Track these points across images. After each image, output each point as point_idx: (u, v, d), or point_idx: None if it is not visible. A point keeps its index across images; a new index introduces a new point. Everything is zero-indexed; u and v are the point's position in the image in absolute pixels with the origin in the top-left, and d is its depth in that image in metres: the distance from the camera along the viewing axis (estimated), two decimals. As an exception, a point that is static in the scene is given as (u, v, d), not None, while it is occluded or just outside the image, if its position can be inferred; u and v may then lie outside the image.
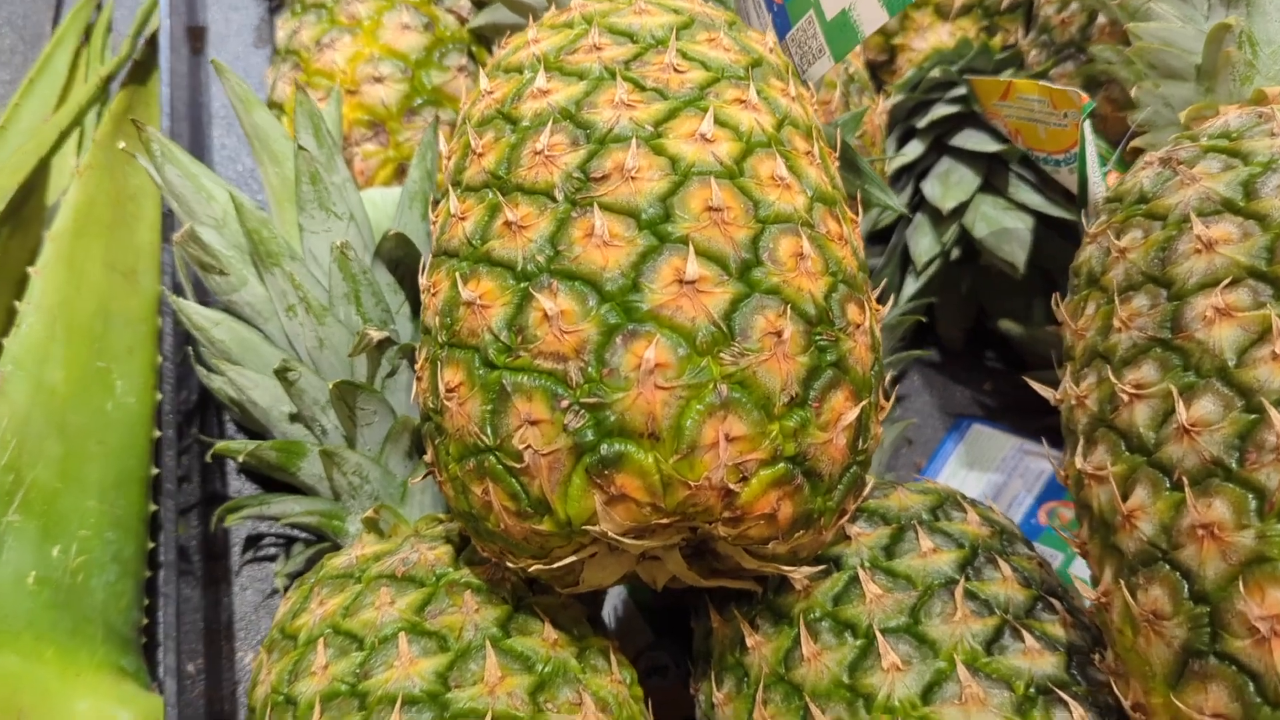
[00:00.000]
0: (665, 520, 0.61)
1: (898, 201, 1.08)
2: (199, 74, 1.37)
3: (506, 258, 0.63)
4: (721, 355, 0.59)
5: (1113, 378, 0.70)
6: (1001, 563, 0.73)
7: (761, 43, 0.73)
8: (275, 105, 1.18)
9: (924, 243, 1.14)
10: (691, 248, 0.60)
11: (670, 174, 0.63)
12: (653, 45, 0.69)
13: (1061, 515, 1.13)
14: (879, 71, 1.41)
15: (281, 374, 0.88)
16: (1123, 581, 0.66)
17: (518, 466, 0.66)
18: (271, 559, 1.04)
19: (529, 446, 0.65)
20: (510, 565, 0.74)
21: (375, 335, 0.88)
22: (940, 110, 1.20)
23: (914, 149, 1.22)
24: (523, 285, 0.61)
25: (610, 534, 0.65)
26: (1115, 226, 0.76)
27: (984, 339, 1.34)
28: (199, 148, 1.32)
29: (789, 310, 0.60)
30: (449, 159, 0.80)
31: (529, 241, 0.62)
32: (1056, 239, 1.05)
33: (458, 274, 0.64)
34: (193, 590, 0.99)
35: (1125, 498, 0.67)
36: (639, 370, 0.57)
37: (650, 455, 0.58)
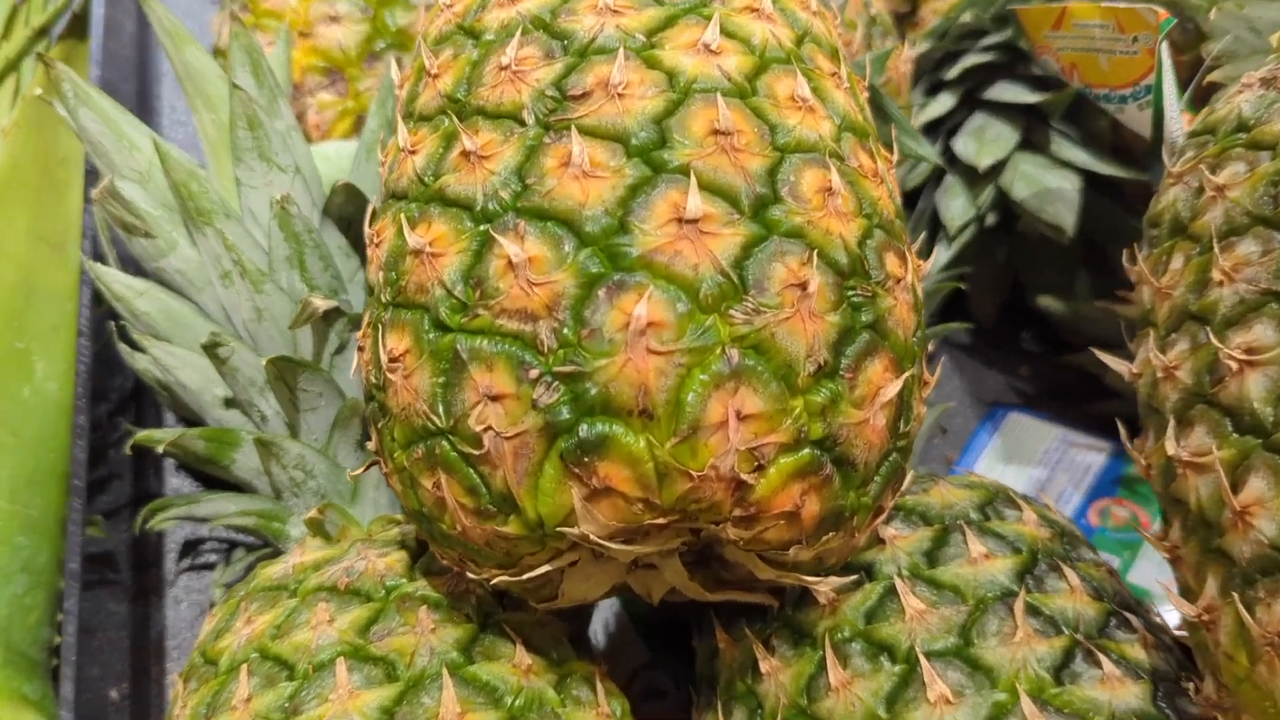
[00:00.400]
0: (661, 520, 0.47)
1: (932, 151, 0.94)
2: (149, 33, 1.24)
3: (463, 195, 0.50)
4: (731, 313, 0.50)
5: (1214, 341, 0.56)
6: (1067, 570, 0.60)
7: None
8: (221, 54, 1.05)
9: (956, 206, 1.02)
10: (693, 179, 0.50)
11: (667, 91, 0.51)
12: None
13: (1115, 515, 1.00)
14: (900, 24, 1.28)
15: (211, 350, 0.75)
16: (1235, 595, 0.53)
17: (476, 454, 0.53)
18: (211, 567, 0.90)
19: (489, 428, 0.52)
20: (473, 576, 0.60)
21: (320, 305, 0.75)
22: (972, 59, 1.07)
23: (944, 102, 1.09)
24: (482, 228, 0.53)
25: (593, 537, 0.52)
26: (1208, 162, 0.63)
27: (1019, 317, 1.21)
28: (146, 110, 1.19)
29: (815, 257, 0.52)
30: (401, 88, 0.67)
31: (491, 174, 0.49)
32: (1105, 202, 0.92)
33: (404, 217, 0.51)
34: (119, 604, 0.86)
35: (1236, 490, 0.54)
36: (627, 331, 0.49)
37: (641, 438, 0.46)
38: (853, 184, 0.59)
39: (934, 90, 1.19)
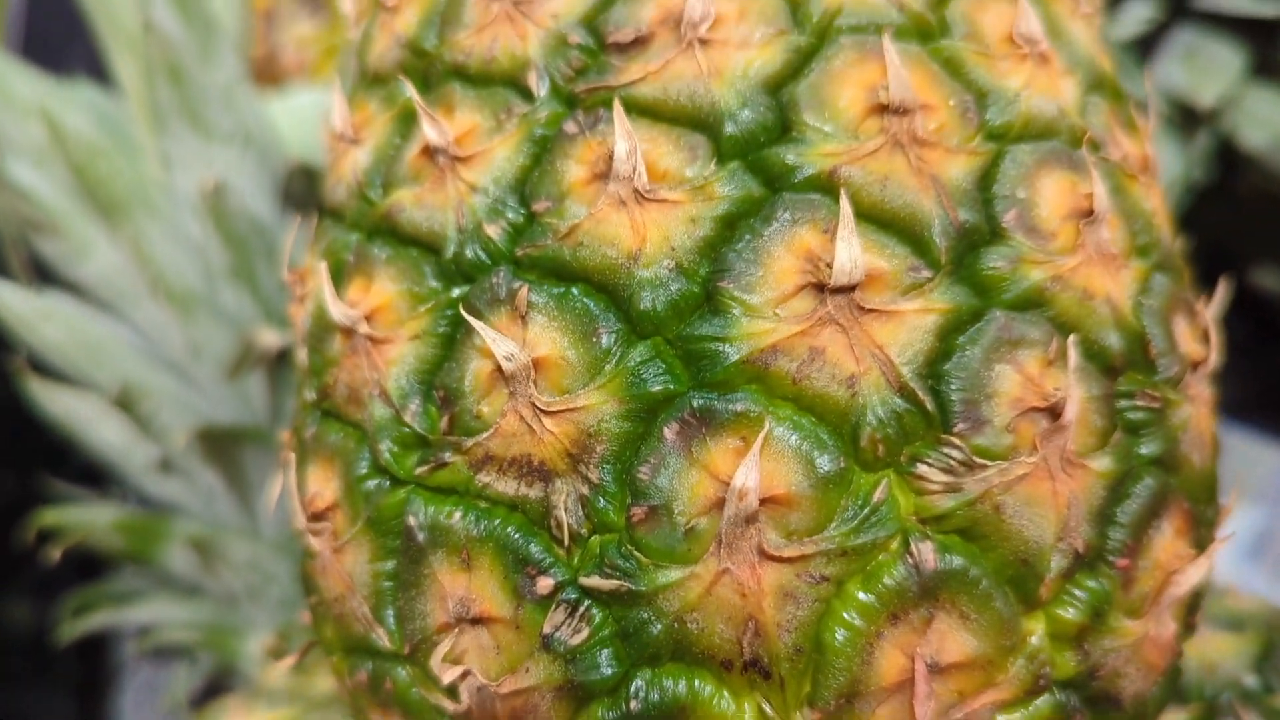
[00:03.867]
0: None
1: (1156, 95, 0.69)
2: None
3: (423, 229, 0.34)
4: (920, 469, 0.29)
5: None
6: None
7: None
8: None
9: (1162, 154, 0.74)
10: (844, 202, 0.28)
11: (787, 30, 0.32)
12: None
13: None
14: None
15: (126, 407, 0.53)
16: None
17: (450, 710, 0.29)
18: (175, 653, 0.70)
19: (467, 673, 0.28)
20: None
21: (271, 341, 0.52)
22: None
23: (1136, 12, 0.80)
24: (454, 293, 0.32)
25: None
26: None
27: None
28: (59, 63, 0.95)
29: (1072, 346, 0.30)
30: (355, 26, 0.42)
31: (470, 191, 0.33)
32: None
33: (330, 261, 0.35)
34: (64, 700, 0.67)
35: None
36: (720, 514, 0.27)
37: (748, 707, 0.27)
38: (1120, 195, 0.33)
39: (1122, -5, 0.89)
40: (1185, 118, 0.79)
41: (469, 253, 0.31)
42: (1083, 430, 0.29)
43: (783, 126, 0.30)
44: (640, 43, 0.32)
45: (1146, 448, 0.31)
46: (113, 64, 0.63)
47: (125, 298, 0.62)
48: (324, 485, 0.33)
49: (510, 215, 0.31)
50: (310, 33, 0.77)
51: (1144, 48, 0.87)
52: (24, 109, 0.60)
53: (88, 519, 0.59)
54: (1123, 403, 0.31)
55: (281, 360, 0.57)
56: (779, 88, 0.31)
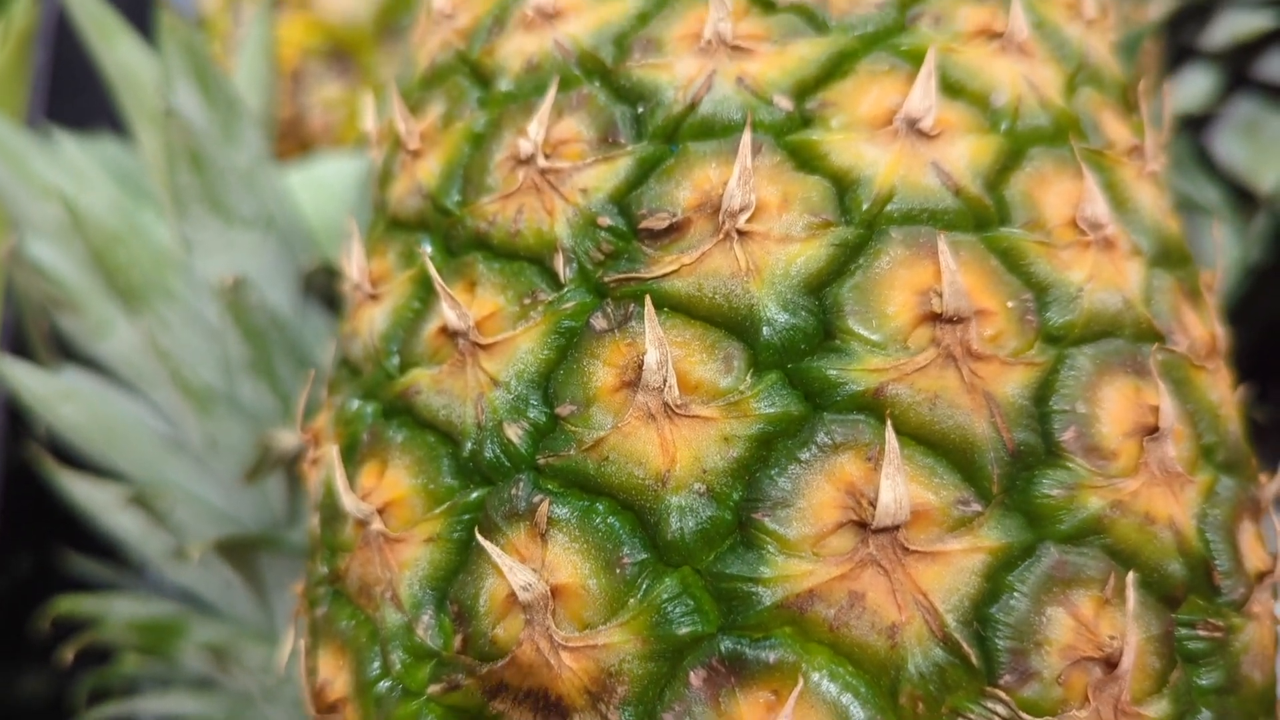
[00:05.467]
0: None
1: (1216, 197, 0.66)
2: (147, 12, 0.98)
3: (440, 417, 0.32)
4: None
5: None
6: None
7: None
8: (207, 27, 0.79)
9: (1215, 239, 0.72)
10: (889, 431, 0.27)
11: (835, 223, 0.30)
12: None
13: None
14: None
15: (144, 504, 0.52)
16: None
17: None
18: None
19: None
20: None
21: (287, 443, 0.51)
22: (1237, 21, 0.76)
23: (1195, 83, 0.77)
24: (474, 497, 0.30)
25: None
26: None
27: (1264, 371, 0.90)
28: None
29: (1131, 582, 0.28)
30: (377, 147, 0.40)
31: (492, 384, 0.31)
32: None
33: (345, 431, 0.34)
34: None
35: None
36: None
37: None
38: (1186, 390, 0.30)
39: (1178, 62, 0.87)
40: (1243, 200, 0.76)
41: (488, 453, 0.29)
42: (1140, 675, 0.27)
43: (825, 332, 0.28)
44: (675, 230, 0.29)
45: (1207, 679, 0.29)
46: (136, 134, 0.62)
47: (144, 377, 0.61)
48: (335, 674, 0.32)
49: (532, 415, 0.29)
50: (338, 94, 0.75)
51: (1202, 118, 0.83)
52: (43, 188, 0.59)
53: (103, 609, 0.58)
54: (1183, 631, 0.29)
55: (301, 459, 0.56)
56: (822, 286, 0.29)
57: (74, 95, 0.85)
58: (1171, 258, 0.34)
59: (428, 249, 0.34)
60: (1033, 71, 0.33)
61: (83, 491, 0.59)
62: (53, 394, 0.60)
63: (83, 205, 0.57)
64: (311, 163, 0.70)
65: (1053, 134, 0.32)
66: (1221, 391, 0.32)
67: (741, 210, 0.29)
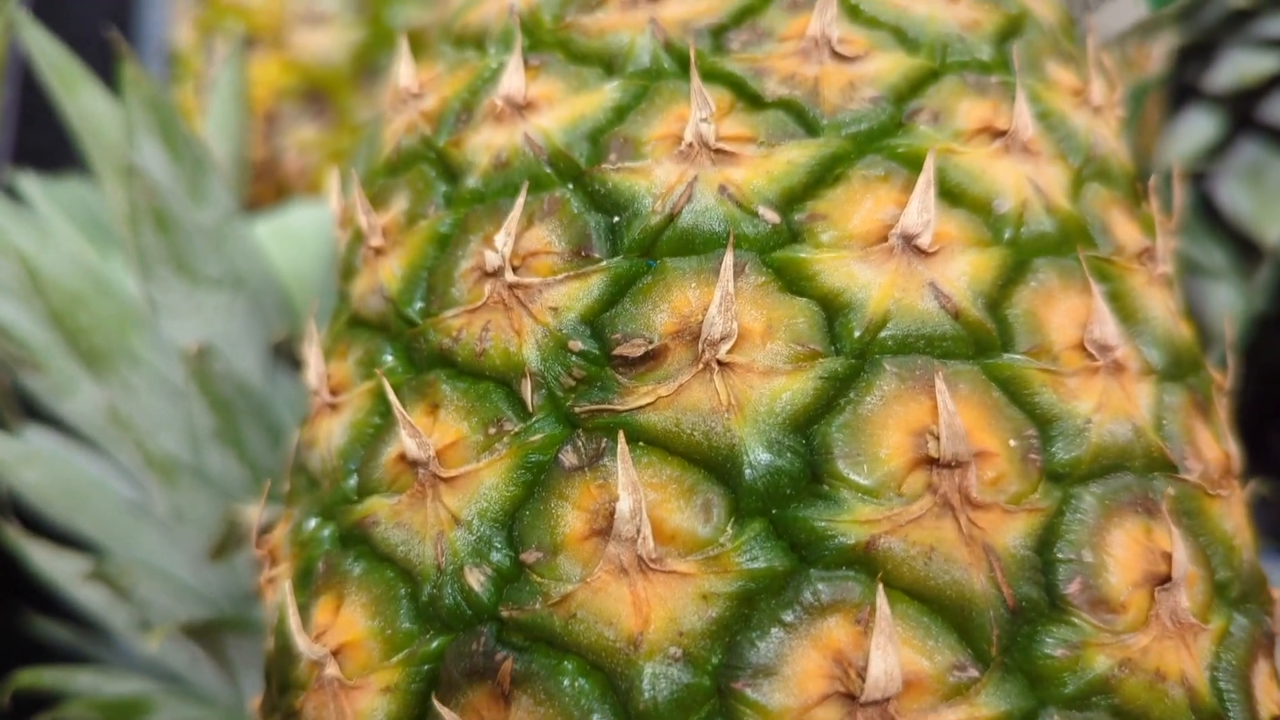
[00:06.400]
0: None
1: (1222, 260, 0.64)
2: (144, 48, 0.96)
3: (399, 553, 0.31)
4: None
5: None
6: None
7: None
8: (180, 62, 0.76)
9: (1220, 296, 0.69)
10: (880, 599, 0.25)
11: (823, 355, 0.28)
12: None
13: None
14: None
15: (106, 580, 0.50)
16: None
17: None
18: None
19: None
20: None
21: (253, 518, 0.48)
22: (1242, 63, 0.77)
23: (1197, 125, 0.76)
24: (431, 646, 0.28)
25: None
26: None
27: (1267, 417, 0.88)
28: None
29: None
30: (342, 228, 0.38)
31: (451, 525, 0.28)
32: None
33: (306, 556, 0.32)
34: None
35: None
36: None
37: None
38: (1199, 522, 0.28)
39: (1179, 102, 0.86)
40: (1245, 249, 0.75)
41: (448, 599, 0.27)
42: None
43: (812, 475, 0.26)
44: (651, 358, 0.27)
45: None
46: (102, 183, 0.60)
47: (109, 438, 0.59)
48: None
49: (495, 559, 0.27)
50: (313, 136, 0.72)
51: (1205, 161, 0.82)
52: (2, 245, 0.57)
53: (66, 683, 0.56)
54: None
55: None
56: (809, 424, 0.26)
57: (43, 129, 0.83)
58: (1184, 366, 0.32)
59: (389, 359, 0.31)
60: (1038, 173, 0.31)
61: (44, 561, 0.57)
62: (14, 458, 0.58)
63: (44, 265, 0.55)
64: (283, 211, 0.68)
65: (1059, 242, 0.30)
66: (1236, 519, 0.30)
67: (722, 339, 0.26)
